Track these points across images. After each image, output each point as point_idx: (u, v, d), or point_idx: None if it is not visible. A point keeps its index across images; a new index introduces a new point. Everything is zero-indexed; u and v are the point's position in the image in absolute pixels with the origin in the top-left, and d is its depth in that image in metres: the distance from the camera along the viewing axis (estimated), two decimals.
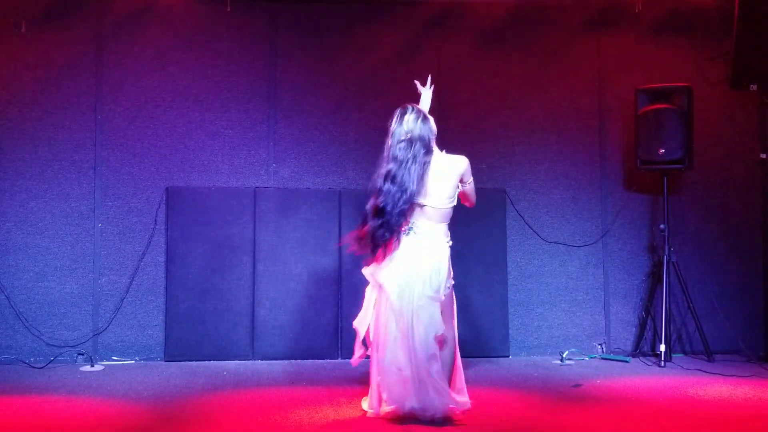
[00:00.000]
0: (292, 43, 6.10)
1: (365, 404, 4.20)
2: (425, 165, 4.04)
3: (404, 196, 3.98)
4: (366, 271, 4.18)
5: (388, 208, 3.98)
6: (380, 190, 4.02)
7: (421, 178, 4.02)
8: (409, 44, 6.16)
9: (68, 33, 5.87)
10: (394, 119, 4.10)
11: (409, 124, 4.05)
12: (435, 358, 3.97)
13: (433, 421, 3.93)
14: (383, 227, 3.99)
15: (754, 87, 5.82)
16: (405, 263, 4.05)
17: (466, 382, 4.27)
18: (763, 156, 6.18)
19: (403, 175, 3.99)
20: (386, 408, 4.01)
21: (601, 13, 6.26)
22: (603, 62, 6.28)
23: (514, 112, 6.21)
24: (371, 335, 4.15)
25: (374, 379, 4.10)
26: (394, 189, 3.98)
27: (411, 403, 3.95)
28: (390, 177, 4.01)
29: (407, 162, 4.01)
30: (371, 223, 4.02)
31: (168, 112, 5.95)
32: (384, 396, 4.03)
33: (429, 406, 3.94)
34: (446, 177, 4.09)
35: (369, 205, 4.06)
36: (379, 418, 4.04)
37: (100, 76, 5.90)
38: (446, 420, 3.97)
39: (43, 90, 5.83)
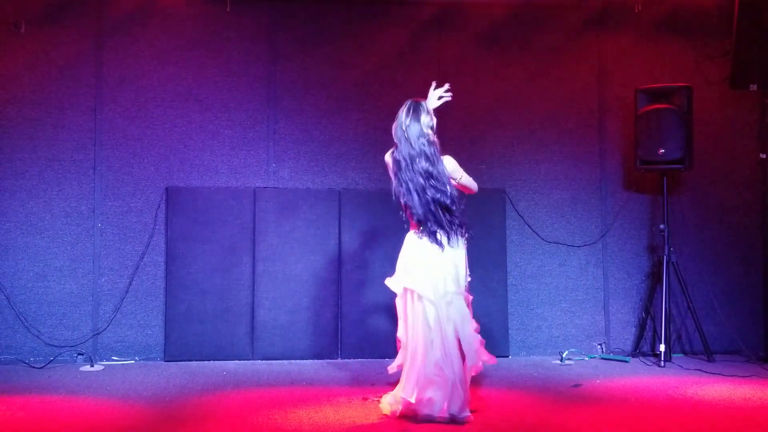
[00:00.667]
0: (292, 43, 6.09)
1: (388, 400, 4.17)
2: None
3: (449, 189, 4.14)
4: (391, 282, 4.22)
5: (448, 202, 4.12)
6: (432, 185, 4.10)
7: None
8: (409, 44, 6.16)
9: (68, 33, 5.87)
10: (409, 112, 4.18)
11: (425, 121, 4.17)
12: (470, 352, 4.06)
13: (442, 421, 3.95)
14: (455, 220, 4.13)
15: (754, 87, 5.81)
16: (428, 259, 4.14)
17: None
18: (763, 156, 6.18)
19: (439, 170, 4.13)
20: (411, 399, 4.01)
21: (601, 13, 6.26)
22: (603, 62, 6.28)
23: (514, 112, 6.21)
24: (406, 339, 4.17)
25: (405, 373, 4.09)
26: (440, 184, 4.11)
27: (439, 399, 3.97)
28: (429, 174, 4.12)
29: (437, 159, 4.14)
30: (447, 219, 4.12)
31: (168, 112, 5.96)
32: (416, 389, 4.01)
33: (452, 406, 3.97)
34: None
35: (433, 202, 4.09)
36: (396, 415, 4.03)
37: (100, 76, 5.90)
38: (454, 421, 3.97)
39: (43, 90, 5.83)
